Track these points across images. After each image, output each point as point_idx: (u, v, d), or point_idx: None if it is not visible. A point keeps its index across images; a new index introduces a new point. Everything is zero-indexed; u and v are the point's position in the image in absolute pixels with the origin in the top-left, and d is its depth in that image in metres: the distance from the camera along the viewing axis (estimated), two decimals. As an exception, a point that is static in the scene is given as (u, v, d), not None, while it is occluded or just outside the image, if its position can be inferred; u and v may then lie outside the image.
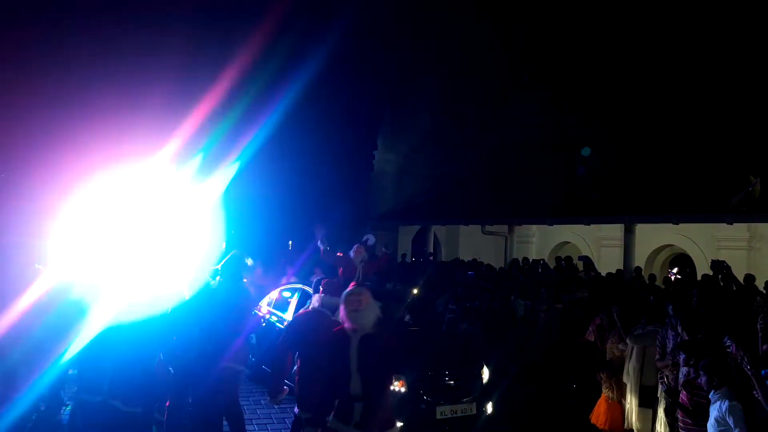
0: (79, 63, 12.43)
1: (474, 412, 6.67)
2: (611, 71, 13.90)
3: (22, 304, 4.72)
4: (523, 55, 15.48)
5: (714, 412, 4.63)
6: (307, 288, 7.99)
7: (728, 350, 4.87)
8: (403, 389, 6.41)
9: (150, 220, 6.34)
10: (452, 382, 6.76)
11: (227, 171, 11.83)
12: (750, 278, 9.32)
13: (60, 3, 13.07)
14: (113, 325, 3.99)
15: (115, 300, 4.14)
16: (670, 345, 6.33)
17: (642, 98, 13.23)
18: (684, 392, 5.26)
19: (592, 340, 7.47)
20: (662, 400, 6.29)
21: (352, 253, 9.51)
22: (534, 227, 17.29)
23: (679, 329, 6.19)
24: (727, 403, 4.52)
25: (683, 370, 5.65)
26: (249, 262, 5.33)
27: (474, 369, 7.06)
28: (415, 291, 9.87)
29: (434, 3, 16.76)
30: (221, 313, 5.01)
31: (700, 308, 7.11)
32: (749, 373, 4.48)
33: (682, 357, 5.57)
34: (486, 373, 7.12)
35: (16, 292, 4.80)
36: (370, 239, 10.60)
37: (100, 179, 6.88)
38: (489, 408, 6.88)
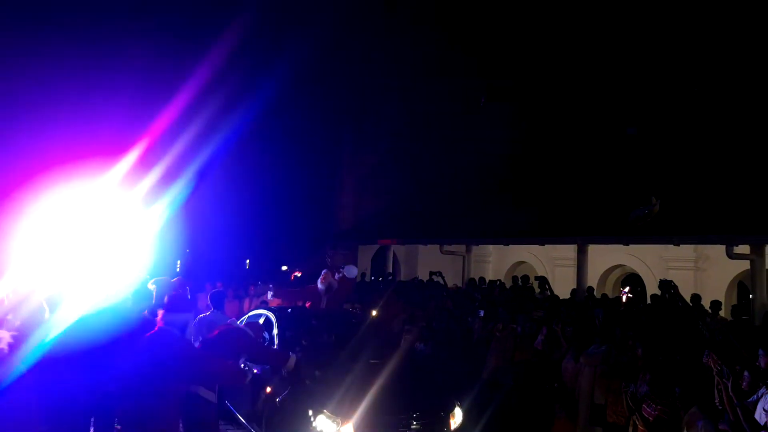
0: (37, 75, 12.13)
1: None
2: (566, 92, 14.30)
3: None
4: (482, 77, 15.79)
5: None
6: (269, 314, 7.39)
7: (706, 362, 5.01)
8: None
9: (100, 238, 6.19)
10: (409, 428, 5.69)
11: (184, 188, 11.65)
12: (696, 298, 9.64)
13: (19, 12, 12.70)
14: (51, 355, 3.83)
15: (56, 324, 4.00)
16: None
17: (597, 121, 13.64)
18: (646, 405, 5.41)
19: (540, 348, 7.58)
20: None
21: (319, 281, 8.96)
22: (491, 247, 17.52)
23: (639, 352, 6.31)
24: (701, 423, 4.71)
25: (643, 385, 5.78)
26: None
27: (441, 410, 6.02)
28: (374, 313, 9.55)
29: (396, 23, 17.01)
30: None
31: (664, 329, 7.27)
32: (718, 377, 4.67)
33: (647, 376, 5.64)
34: (458, 416, 6.12)
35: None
36: (351, 270, 9.48)
37: (50, 194, 6.70)
38: None
